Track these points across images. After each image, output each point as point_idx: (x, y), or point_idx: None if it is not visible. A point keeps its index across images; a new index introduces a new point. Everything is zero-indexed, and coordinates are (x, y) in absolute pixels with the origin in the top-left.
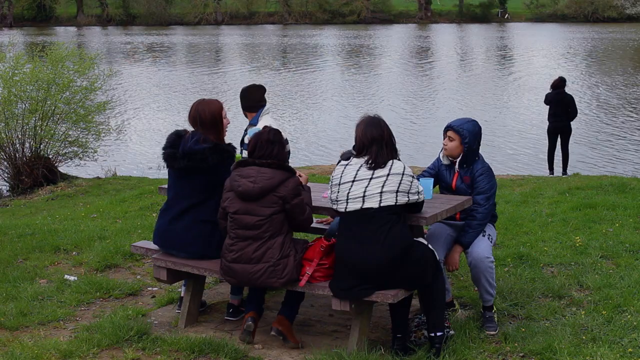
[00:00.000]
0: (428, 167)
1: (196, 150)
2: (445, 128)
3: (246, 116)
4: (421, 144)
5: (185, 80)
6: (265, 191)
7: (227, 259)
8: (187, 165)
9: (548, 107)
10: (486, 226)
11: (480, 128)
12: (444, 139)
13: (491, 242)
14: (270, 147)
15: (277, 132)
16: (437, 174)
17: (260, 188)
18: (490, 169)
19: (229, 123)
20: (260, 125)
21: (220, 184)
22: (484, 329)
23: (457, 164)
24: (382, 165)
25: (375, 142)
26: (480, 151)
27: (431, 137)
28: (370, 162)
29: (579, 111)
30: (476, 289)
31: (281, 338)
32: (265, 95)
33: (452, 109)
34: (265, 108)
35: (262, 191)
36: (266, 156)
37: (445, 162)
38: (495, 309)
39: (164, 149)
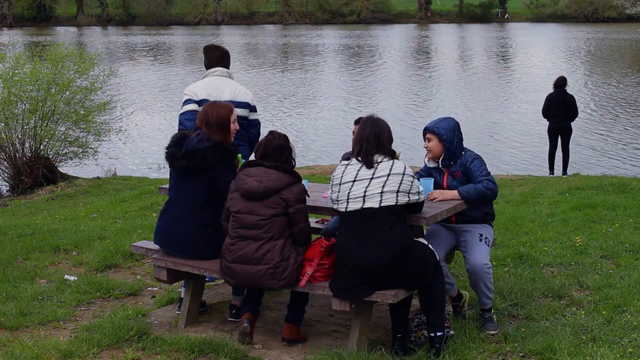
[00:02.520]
0: (420, 170)
1: (197, 149)
2: (423, 132)
3: None
4: (420, 145)
5: (185, 80)
6: (269, 191)
7: (227, 259)
8: (187, 165)
9: (546, 107)
10: (484, 227)
11: (456, 123)
12: (424, 142)
13: (488, 245)
14: (281, 152)
15: (286, 138)
16: (429, 176)
17: (265, 187)
18: (481, 157)
19: (237, 129)
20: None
21: (220, 184)
22: (484, 329)
23: (440, 162)
24: (372, 164)
25: (362, 141)
26: (478, 150)
27: None
28: (360, 161)
29: (579, 111)
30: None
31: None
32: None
33: (452, 109)
34: (214, 70)
35: (266, 190)
36: (278, 161)
37: (431, 165)
38: (493, 310)
39: (167, 148)
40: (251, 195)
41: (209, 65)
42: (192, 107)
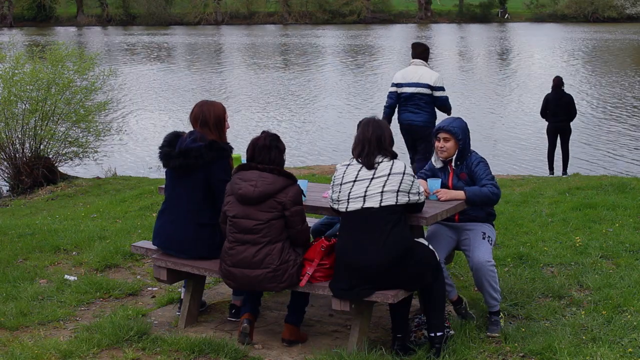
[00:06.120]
0: (424, 169)
1: (192, 148)
2: (435, 131)
3: None
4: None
5: (185, 80)
6: (264, 196)
7: (227, 263)
8: (182, 164)
9: (544, 107)
10: (487, 226)
11: (466, 123)
12: (436, 142)
13: (491, 244)
14: (267, 152)
15: (273, 137)
16: (433, 176)
17: (260, 192)
18: (486, 160)
19: (228, 127)
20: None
21: (214, 183)
22: (487, 330)
23: (452, 161)
24: (373, 165)
25: (360, 143)
26: (478, 151)
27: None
28: (359, 161)
29: (578, 111)
30: (479, 292)
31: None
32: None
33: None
34: (413, 61)
35: (261, 195)
36: (265, 162)
37: (438, 164)
38: (502, 314)
39: (160, 148)
40: (246, 200)
41: (413, 57)
42: (392, 89)
